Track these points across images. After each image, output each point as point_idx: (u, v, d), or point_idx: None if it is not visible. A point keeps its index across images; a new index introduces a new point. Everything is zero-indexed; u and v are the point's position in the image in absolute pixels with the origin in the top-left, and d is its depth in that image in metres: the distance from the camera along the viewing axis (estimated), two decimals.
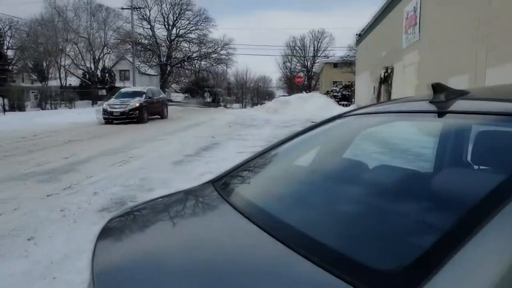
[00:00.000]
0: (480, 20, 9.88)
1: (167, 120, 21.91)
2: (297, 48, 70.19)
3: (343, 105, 29.24)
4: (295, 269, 1.03)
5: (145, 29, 52.63)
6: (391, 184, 1.50)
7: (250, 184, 1.87)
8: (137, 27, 48.38)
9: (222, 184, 1.82)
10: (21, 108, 30.41)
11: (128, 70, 48.26)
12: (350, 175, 1.75)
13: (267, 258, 1.15)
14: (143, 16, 51.61)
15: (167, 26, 53.97)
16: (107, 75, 45.98)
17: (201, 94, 56.98)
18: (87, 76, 44.34)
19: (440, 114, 1.47)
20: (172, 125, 18.36)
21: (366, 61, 25.40)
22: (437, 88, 1.50)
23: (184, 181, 6.08)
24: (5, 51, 40.74)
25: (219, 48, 54.39)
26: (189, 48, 54.71)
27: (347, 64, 44.01)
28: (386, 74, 18.98)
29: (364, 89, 25.16)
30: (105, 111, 19.78)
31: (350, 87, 35.08)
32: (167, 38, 54.05)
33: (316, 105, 24.10)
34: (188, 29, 54.08)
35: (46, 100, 34.20)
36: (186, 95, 59.58)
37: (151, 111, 21.05)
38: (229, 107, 47.36)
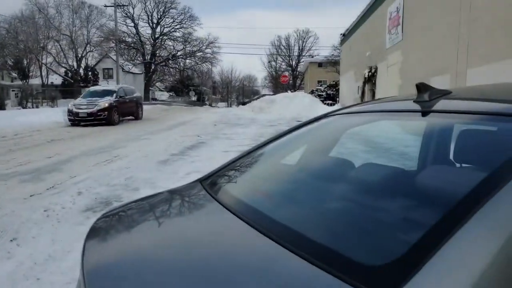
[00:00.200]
0: (462, 22, 10.04)
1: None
2: (282, 47, 70.48)
3: (328, 104, 29.42)
4: (284, 264, 1.05)
5: (129, 27, 52.29)
6: (376, 182, 1.53)
7: (238, 182, 1.89)
8: (121, 25, 48.02)
9: (210, 183, 1.83)
10: (1, 106, 29.88)
11: (111, 69, 47.72)
12: (336, 173, 1.78)
13: (257, 255, 1.17)
14: (127, 14, 51.24)
15: (151, 24, 53.67)
16: (90, 73, 45.41)
17: (186, 93, 56.77)
18: (70, 74, 43.76)
19: (424, 113, 1.50)
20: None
21: (350, 60, 25.61)
22: (421, 87, 1.54)
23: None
24: None
25: (204, 47, 54.31)
26: (173, 46, 54.54)
27: (331, 63, 44.29)
28: (370, 73, 19.16)
29: (349, 89, 25.36)
30: (70, 112, 17.85)
31: (334, 86, 35.31)
32: (152, 36, 53.71)
33: (302, 104, 24.21)
34: (173, 28, 53.89)
35: (27, 98, 33.66)
36: (171, 94, 59.33)
37: (123, 111, 19.30)
38: (214, 106, 47.26)
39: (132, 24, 52.15)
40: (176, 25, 53.71)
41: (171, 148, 10.03)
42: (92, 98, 18.52)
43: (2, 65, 41.99)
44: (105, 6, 40.06)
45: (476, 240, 0.81)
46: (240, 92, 64.39)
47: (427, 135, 1.89)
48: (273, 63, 72.28)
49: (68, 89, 40.41)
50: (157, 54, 53.74)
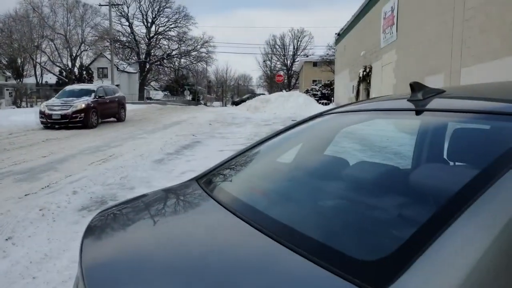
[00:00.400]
0: (455, 21, 10.10)
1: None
2: (277, 47, 70.59)
3: (322, 103, 29.48)
4: (281, 260, 1.06)
5: (123, 26, 52.10)
6: (370, 179, 1.55)
7: (234, 181, 1.90)
8: (115, 24, 47.86)
9: (206, 181, 1.85)
10: None
11: (106, 68, 47.60)
12: (331, 171, 1.80)
13: (253, 251, 1.19)
14: (121, 13, 51.05)
15: (146, 24, 53.52)
16: (84, 72, 45.19)
17: (181, 92, 56.66)
18: (64, 73, 43.47)
19: (418, 112, 1.52)
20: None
21: (345, 60, 25.68)
22: (415, 86, 1.56)
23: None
24: None
25: (199, 46, 54.19)
26: (168, 45, 54.42)
27: (326, 63, 44.38)
28: (364, 73, 19.23)
29: (344, 88, 25.43)
30: (42, 114, 15.87)
31: (329, 86, 35.39)
32: (146, 36, 53.56)
33: (297, 103, 24.24)
34: (168, 27, 53.75)
35: (21, 97, 33.44)
36: (166, 93, 59.22)
37: (102, 113, 17.44)
38: (209, 105, 47.22)
39: (127, 23, 52.05)
40: (171, 24, 53.64)
41: (166, 147, 10.02)
42: (68, 98, 16.68)
43: None
44: (100, 5, 39.96)
45: (466, 236, 0.83)
46: (235, 92, 64.34)
47: (421, 134, 1.91)
48: (268, 62, 72.45)
49: (63, 89, 40.13)
50: (152, 53, 53.59)
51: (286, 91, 34.50)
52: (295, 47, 69.38)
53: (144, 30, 53.76)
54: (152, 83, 61.44)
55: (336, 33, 29.60)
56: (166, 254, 1.24)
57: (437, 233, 0.86)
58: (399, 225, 1.14)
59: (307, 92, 35.88)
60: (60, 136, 13.15)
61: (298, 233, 1.18)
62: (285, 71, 68.72)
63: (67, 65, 43.91)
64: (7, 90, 36.60)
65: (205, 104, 53.17)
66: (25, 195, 5.53)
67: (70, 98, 16.59)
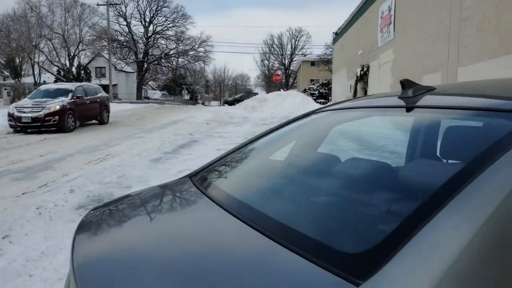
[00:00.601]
0: (452, 20, 10.14)
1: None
2: (275, 46, 70.58)
3: (320, 103, 29.49)
4: (272, 256, 1.08)
5: (121, 25, 52.03)
6: (359, 175, 1.57)
7: (227, 178, 1.92)
8: (113, 23, 47.79)
9: (199, 179, 1.86)
10: None
11: (104, 67, 47.55)
12: (322, 168, 1.81)
13: (244, 246, 1.21)
14: (119, 13, 50.98)
15: (143, 23, 53.43)
16: (82, 72, 45.16)
17: (179, 92, 56.63)
18: (62, 73, 43.48)
19: (408, 109, 1.55)
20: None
21: (343, 59, 25.71)
22: (405, 84, 1.58)
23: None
24: None
25: (196, 45, 54.14)
26: (166, 45, 54.35)
27: (324, 62, 44.42)
28: (362, 72, 19.26)
29: (341, 87, 25.47)
30: (10, 116, 14.23)
31: (327, 85, 35.44)
32: (144, 35, 53.51)
33: (294, 102, 24.26)
34: (165, 26, 53.69)
35: (19, 97, 33.39)
36: (164, 93, 59.16)
37: (81, 115, 15.78)
38: (207, 105, 47.23)
39: (125, 23, 51.97)
40: (168, 24, 53.59)
41: (163, 147, 10.03)
42: (41, 99, 15.00)
43: None
44: (98, 4, 39.91)
45: (448, 229, 0.85)
46: (234, 91, 64.34)
47: (410, 130, 1.94)
48: (266, 62, 72.42)
49: None
50: (150, 53, 53.54)
51: (284, 90, 34.50)
52: (293, 46, 69.45)
53: (142, 30, 53.78)
54: (150, 83, 61.42)
55: (333, 32, 29.62)
56: (157, 251, 1.24)
57: (419, 226, 0.88)
58: (384, 218, 1.16)
59: (304, 91, 35.92)
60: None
61: (286, 227, 1.21)
62: (283, 70, 68.70)
63: (65, 64, 43.91)
64: (5, 89, 36.60)
65: (203, 103, 53.13)
66: None
67: (44, 99, 14.89)
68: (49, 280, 3.06)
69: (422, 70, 11.83)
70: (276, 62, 71.86)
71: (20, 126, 14.12)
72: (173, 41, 54.06)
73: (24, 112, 14.12)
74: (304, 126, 2.10)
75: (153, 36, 53.68)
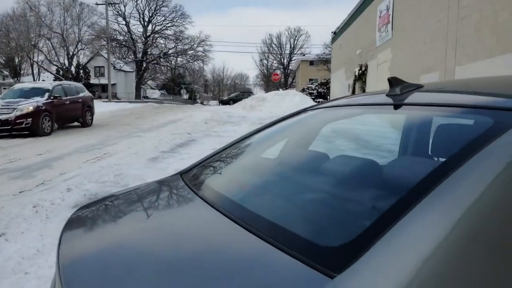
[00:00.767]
0: (450, 19, 10.15)
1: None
2: (274, 46, 70.60)
3: (318, 102, 29.47)
4: (250, 248, 1.11)
5: (120, 25, 52.04)
6: (343, 172, 1.59)
7: (217, 176, 1.93)
8: (112, 23, 47.78)
9: (190, 176, 1.87)
10: None
11: (103, 67, 47.62)
12: (310, 165, 1.83)
13: (227, 240, 1.23)
14: (118, 12, 51.00)
15: (142, 22, 53.45)
16: (81, 71, 45.17)
17: (177, 91, 56.66)
18: (61, 72, 43.48)
19: (395, 106, 1.57)
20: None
21: (341, 58, 25.71)
22: (393, 82, 1.60)
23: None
24: None
25: (195, 45, 54.17)
26: (165, 44, 54.38)
27: (323, 61, 44.44)
28: (360, 71, 19.26)
29: (339, 87, 25.47)
30: None
31: (325, 84, 35.46)
32: (143, 34, 53.52)
33: (292, 102, 24.27)
34: (164, 26, 53.71)
35: None
36: (163, 92, 59.22)
37: (60, 117, 14.34)
38: (206, 104, 47.23)
39: (124, 22, 52.00)
40: (167, 23, 53.61)
41: (161, 146, 10.04)
42: (14, 99, 13.65)
43: None
44: (97, 4, 39.91)
45: (422, 224, 0.87)
46: (232, 90, 64.34)
47: (397, 127, 1.96)
48: (265, 61, 72.43)
49: None
50: (149, 52, 53.55)
51: (283, 90, 34.52)
52: (292, 46, 69.47)
53: (141, 29, 53.83)
54: (149, 82, 61.42)
55: (332, 32, 29.61)
56: (144, 250, 1.23)
57: (395, 221, 0.90)
58: (363, 214, 1.18)
59: (303, 90, 35.94)
60: None
61: (266, 221, 1.23)
62: (281, 70, 68.73)
63: (64, 64, 43.92)
64: (4, 88, 36.58)
65: (201, 103, 53.18)
66: None
67: (17, 99, 13.50)
68: (44, 277, 3.08)
69: (420, 70, 11.84)
70: (275, 62, 71.95)
71: None
72: (172, 41, 54.14)
73: None
74: (295, 124, 2.11)
75: (152, 35, 53.70)
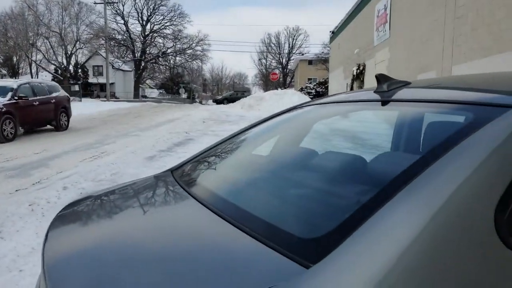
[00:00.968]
0: (447, 19, 10.18)
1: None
2: (272, 45, 70.58)
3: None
4: (236, 243, 1.13)
5: (118, 24, 51.98)
6: (328, 167, 1.61)
7: (208, 172, 1.94)
8: (110, 22, 47.69)
9: (181, 173, 1.88)
10: None
11: (101, 66, 47.57)
12: (298, 162, 1.85)
13: (210, 233, 1.24)
14: (116, 11, 50.92)
15: (141, 22, 53.42)
16: (80, 70, 45.12)
17: (176, 90, 56.63)
18: (59, 71, 43.37)
19: (383, 102, 1.59)
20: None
21: (339, 58, 25.73)
22: (381, 78, 1.62)
23: None
24: None
25: (194, 44, 54.13)
26: (163, 43, 54.34)
27: (322, 61, 44.47)
28: (358, 71, 19.28)
29: (338, 86, 25.49)
30: None
31: (324, 84, 35.47)
32: (142, 34, 53.47)
33: (291, 101, 24.28)
34: (163, 25, 53.66)
35: None
36: (161, 91, 59.21)
37: (27, 120, 12.40)
38: (204, 104, 47.22)
39: (122, 21, 51.93)
40: (166, 22, 53.56)
41: (158, 145, 10.05)
42: None
43: None
44: (95, 3, 39.92)
45: (395, 218, 0.89)
46: (231, 90, 64.35)
47: (383, 123, 1.98)
48: (263, 60, 72.43)
49: None
50: (147, 52, 53.52)
51: (281, 89, 34.53)
52: (291, 45, 69.45)
53: (139, 28, 53.76)
54: (148, 81, 61.43)
55: (330, 31, 29.62)
56: (130, 249, 1.22)
57: (370, 215, 0.92)
58: (342, 207, 1.20)
59: (301, 90, 35.95)
60: None
61: (249, 214, 1.25)
62: (280, 69, 68.74)
63: (62, 63, 43.76)
64: None
65: (200, 102, 53.13)
66: None
67: None
68: (38, 275, 3.09)
69: (417, 69, 11.87)
70: (273, 61, 71.94)
71: None
72: (171, 40, 54.09)
73: None
74: (286, 121, 2.14)
75: (150, 34, 53.65)
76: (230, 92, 54.05)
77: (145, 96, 55.08)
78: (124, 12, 51.77)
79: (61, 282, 1.09)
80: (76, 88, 36.48)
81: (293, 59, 64.79)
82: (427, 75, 11.08)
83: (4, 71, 43.20)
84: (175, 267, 1.05)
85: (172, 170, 1.95)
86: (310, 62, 51.45)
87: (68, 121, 14.83)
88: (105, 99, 36.48)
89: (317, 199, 1.37)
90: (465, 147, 0.98)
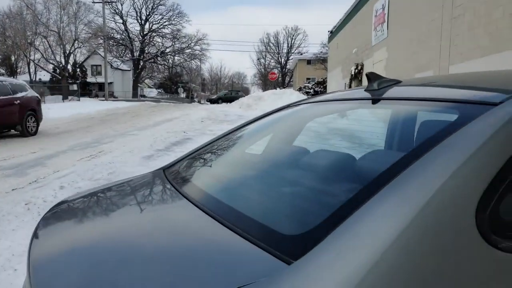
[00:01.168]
0: (444, 18, 10.19)
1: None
2: (271, 45, 70.59)
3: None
4: (220, 239, 1.13)
5: (117, 23, 51.99)
6: (316, 165, 1.62)
7: (199, 171, 1.95)
8: (109, 21, 47.71)
9: (173, 172, 1.89)
10: None
11: (100, 65, 47.51)
12: (289, 160, 1.86)
13: (195, 229, 1.25)
14: (115, 10, 50.93)
15: (140, 21, 53.41)
16: (78, 70, 45.06)
17: (175, 90, 56.62)
18: (58, 71, 43.30)
19: (373, 101, 1.60)
20: None
21: (338, 57, 25.74)
22: (371, 77, 1.63)
23: None
24: None
25: (192, 44, 54.13)
26: (162, 43, 54.33)
27: (320, 61, 44.47)
28: (356, 70, 19.29)
29: (336, 86, 25.50)
30: None
31: (322, 83, 35.50)
32: (140, 33, 53.45)
33: (289, 101, 24.07)
34: (161, 24, 53.66)
35: None
36: (160, 91, 59.17)
37: None
38: (203, 103, 47.20)
39: (121, 21, 51.94)
40: (164, 22, 53.57)
41: (156, 144, 10.05)
42: None
43: None
44: (93, 2, 39.89)
45: (377, 215, 0.90)
46: (230, 89, 64.34)
47: (373, 121, 1.99)
48: (262, 60, 72.42)
49: (56, 86, 40.04)
50: (146, 51, 53.48)
51: (280, 89, 34.54)
52: (289, 45, 69.50)
53: (138, 28, 53.78)
54: (146, 81, 61.38)
55: (329, 31, 29.62)
56: (116, 247, 1.22)
57: (352, 212, 0.93)
58: (327, 204, 1.21)
59: (300, 89, 35.97)
60: None
61: (237, 212, 1.26)
62: (279, 69, 68.76)
63: (61, 62, 43.68)
64: None
65: (199, 101, 53.12)
66: None
67: None
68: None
69: (415, 68, 11.88)
70: (272, 61, 71.95)
71: None
72: (169, 39, 54.09)
73: None
74: (280, 119, 2.15)
75: (149, 34, 53.64)
76: (225, 91, 54.01)
77: (143, 96, 55.06)
78: (123, 11, 51.86)
79: (46, 283, 1.08)
80: (75, 87, 36.47)
81: (291, 59, 64.81)
82: (424, 74, 11.09)
83: (2, 71, 43.09)
84: (156, 264, 1.05)
85: (164, 169, 1.95)
86: (308, 61, 51.45)
87: (37, 125, 12.59)
88: (103, 98, 36.46)
89: (303, 196, 1.38)
90: (448, 144, 0.99)
